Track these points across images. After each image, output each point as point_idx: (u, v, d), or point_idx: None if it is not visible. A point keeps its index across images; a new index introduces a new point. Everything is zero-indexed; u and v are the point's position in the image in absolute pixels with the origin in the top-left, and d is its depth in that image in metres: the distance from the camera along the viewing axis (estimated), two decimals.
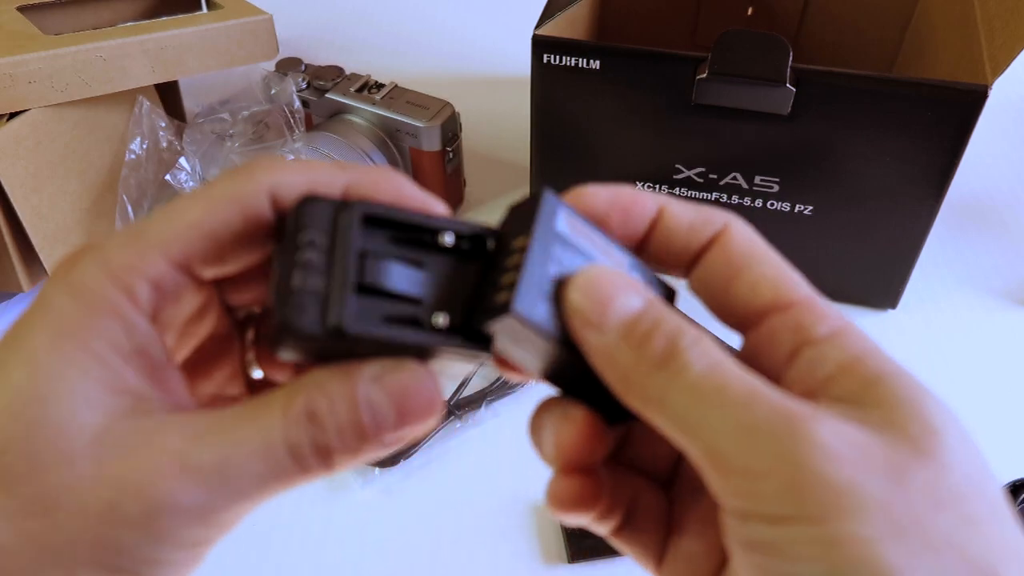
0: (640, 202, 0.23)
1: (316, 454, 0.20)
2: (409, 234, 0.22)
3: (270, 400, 0.20)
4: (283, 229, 0.21)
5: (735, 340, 0.23)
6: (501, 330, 0.21)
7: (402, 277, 0.21)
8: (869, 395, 0.19)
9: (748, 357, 0.22)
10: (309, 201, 0.21)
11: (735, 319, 0.23)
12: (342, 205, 0.21)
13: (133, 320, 0.20)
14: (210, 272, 0.22)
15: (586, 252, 0.22)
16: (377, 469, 0.50)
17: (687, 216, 0.23)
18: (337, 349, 0.21)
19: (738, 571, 0.19)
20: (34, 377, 0.19)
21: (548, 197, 0.22)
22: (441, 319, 0.21)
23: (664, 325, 0.20)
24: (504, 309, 0.20)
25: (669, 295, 0.24)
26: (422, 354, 0.22)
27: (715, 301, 0.23)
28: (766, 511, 0.18)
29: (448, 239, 0.22)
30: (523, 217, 0.22)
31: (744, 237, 0.23)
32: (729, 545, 0.20)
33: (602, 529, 0.24)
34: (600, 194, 0.23)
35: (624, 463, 0.25)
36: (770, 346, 0.21)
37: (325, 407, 0.20)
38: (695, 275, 0.23)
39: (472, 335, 0.21)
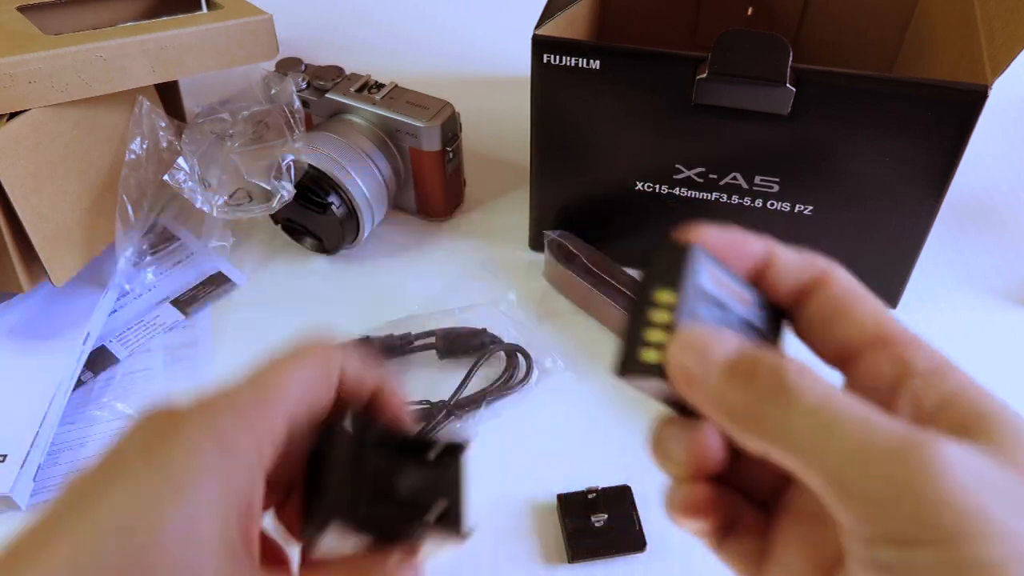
0: (749, 245, 0.25)
1: None
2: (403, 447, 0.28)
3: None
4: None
5: (836, 378, 0.24)
6: (642, 384, 0.24)
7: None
8: (979, 426, 0.20)
9: (851, 391, 0.22)
10: (335, 424, 0.27)
11: (838, 356, 0.24)
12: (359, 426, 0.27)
13: (256, 472, 0.24)
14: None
15: (725, 303, 0.24)
16: None
17: (794, 260, 0.25)
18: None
19: None
20: (192, 515, 0.22)
21: (695, 251, 0.24)
22: (432, 516, 0.27)
23: (766, 359, 0.22)
24: (657, 371, 0.23)
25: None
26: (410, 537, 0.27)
27: (819, 339, 0.24)
28: (893, 535, 0.19)
29: (432, 455, 0.29)
30: (668, 267, 0.24)
31: (848, 280, 0.25)
32: (852, 567, 0.20)
33: (707, 540, 0.26)
34: (714, 235, 0.25)
35: (728, 483, 0.27)
36: (874, 379, 0.23)
37: None
38: (802, 315, 0.25)
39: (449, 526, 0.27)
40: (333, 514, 0.25)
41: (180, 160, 0.58)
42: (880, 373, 0.23)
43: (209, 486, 0.22)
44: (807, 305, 0.25)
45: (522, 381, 0.55)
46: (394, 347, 0.55)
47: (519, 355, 0.56)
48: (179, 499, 0.22)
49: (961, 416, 0.21)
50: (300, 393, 0.25)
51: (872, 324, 0.23)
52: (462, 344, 0.56)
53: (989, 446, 0.20)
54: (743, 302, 0.25)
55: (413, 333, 0.56)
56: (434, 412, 0.52)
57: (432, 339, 0.56)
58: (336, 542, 0.26)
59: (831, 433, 0.20)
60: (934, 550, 0.18)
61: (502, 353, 0.56)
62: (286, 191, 0.58)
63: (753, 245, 0.25)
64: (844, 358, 0.24)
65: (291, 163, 0.58)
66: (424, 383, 0.52)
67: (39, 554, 0.21)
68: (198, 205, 0.58)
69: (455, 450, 0.29)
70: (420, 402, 0.52)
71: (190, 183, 0.58)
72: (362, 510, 0.26)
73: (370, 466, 0.26)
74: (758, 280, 0.25)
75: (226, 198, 0.59)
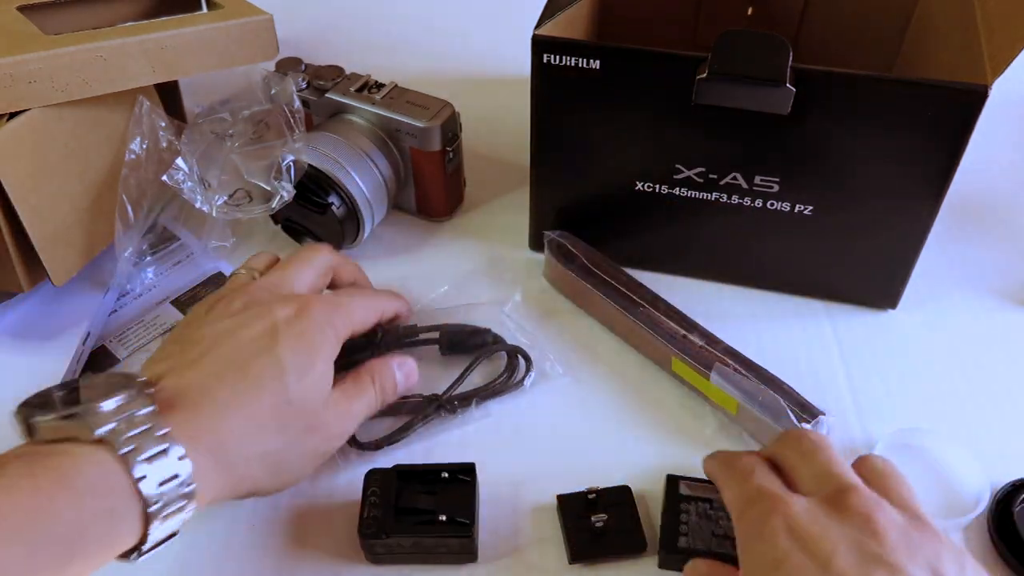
0: None
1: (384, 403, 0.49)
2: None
3: (353, 382, 0.47)
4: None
5: None
6: None
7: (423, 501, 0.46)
8: None
9: None
10: (372, 472, 0.48)
11: None
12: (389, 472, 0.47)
13: (335, 352, 0.46)
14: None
15: None
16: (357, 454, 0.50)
17: None
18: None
19: None
20: (325, 374, 0.44)
21: None
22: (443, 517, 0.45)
23: None
24: None
25: None
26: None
27: None
28: None
29: (444, 475, 0.47)
30: None
31: None
32: None
33: None
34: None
35: None
36: None
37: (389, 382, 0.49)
38: None
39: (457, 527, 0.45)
40: (371, 532, 0.45)
41: (179, 160, 0.58)
42: None
43: (329, 357, 0.45)
44: None
45: (519, 383, 0.55)
46: (399, 338, 0.55)
47: (520, 356, 0.56)
48: (317, 363, 0.44)
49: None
50: (361, 320, 0.50)
51: None
52: (464, 341, 0.56)
53: None
54: None
55: (419, 326, 0.56)
56: (425, 405, 0.52)
57: (436, 334, 0.56)
58: None
59: None
60: None
61: (504, 353, 0.56)
62: (286, 191, 0.58)
63: None
64: None
65: (291, 163, 0.58)
66: (424, 377, 0.52)
67: (249, 376, 0.41)
68: (198, 205, 0.58)
69: (466, 471, 0.47)
70: (413, 395, 0.52)
71: (189, 183, 0.58)
72: (393, 521, 0.45)
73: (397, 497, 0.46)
74: None
75: (226, 198, 0.59)
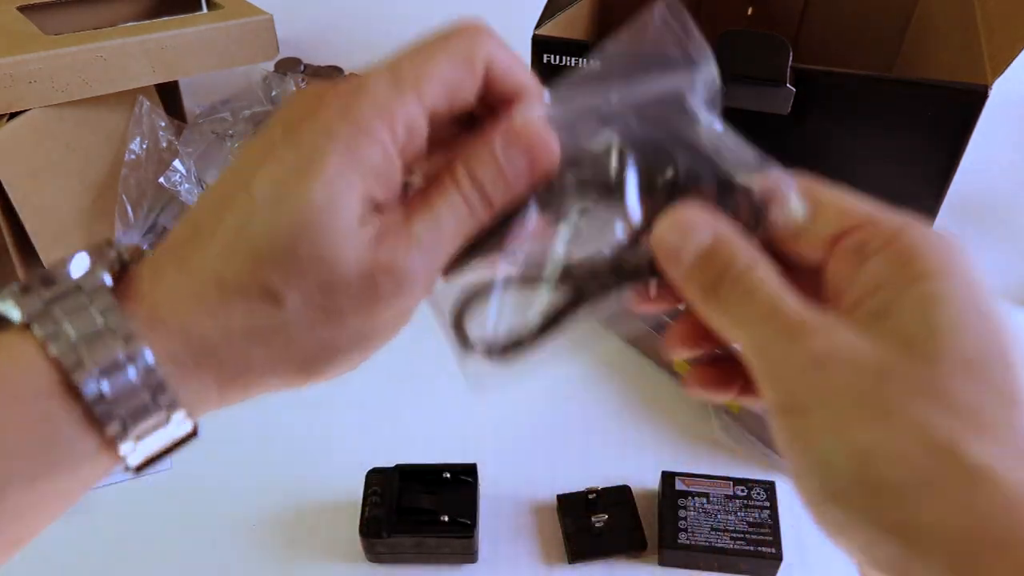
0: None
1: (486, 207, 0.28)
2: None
3: (434, 188, 0.28)
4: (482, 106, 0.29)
5: None
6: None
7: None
8: (891, 308, 0.24)
9: (826, 287, 0.26)
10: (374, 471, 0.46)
11: (817, 261, 0.27)
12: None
13: (390, 152, 0.26)
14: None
15: None
16: None
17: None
18: None
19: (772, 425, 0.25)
20: (327, 189, 0.25)
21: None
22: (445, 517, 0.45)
23: (734, 255, 0.26)
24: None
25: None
26: None
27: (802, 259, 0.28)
28: (781, 404, 0.24)
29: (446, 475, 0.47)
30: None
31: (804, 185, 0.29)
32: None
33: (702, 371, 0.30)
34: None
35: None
36: (836, 274, 0.26)
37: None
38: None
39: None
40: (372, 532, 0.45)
41: (176, 162, 0.58)
42: (842, 266, 0.26)
43: (342, 161, 0.25)
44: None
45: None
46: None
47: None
48: (319, 173, 0.25)
49: (880, 303, 0.24)
50: (440, 84, 0.27)
51: (830, 217, 0.28)
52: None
53: (889, 326, 0.23)
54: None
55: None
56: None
57: None
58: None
59: (748, 321, 0.25)
60: (798, 418, 0.23)
61: None
62: None
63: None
64: (823, 260, 0.27)
65: None
66: None
67: (215, 226, 0.26)
68: None
69: (467, 472, 0.46)
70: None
71: (187, 185, 0.58)
72: (395, 520, 0.45)
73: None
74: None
75: None
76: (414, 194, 0.28)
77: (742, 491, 0.46)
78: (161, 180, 0.58)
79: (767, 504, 0.46)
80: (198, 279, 0.26)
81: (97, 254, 0.27)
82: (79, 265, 0.26)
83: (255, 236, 0.26)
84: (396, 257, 0.26)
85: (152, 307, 0.26)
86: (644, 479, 0.49)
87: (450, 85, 0.27)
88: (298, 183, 0.25)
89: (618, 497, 0.48)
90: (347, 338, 0.27)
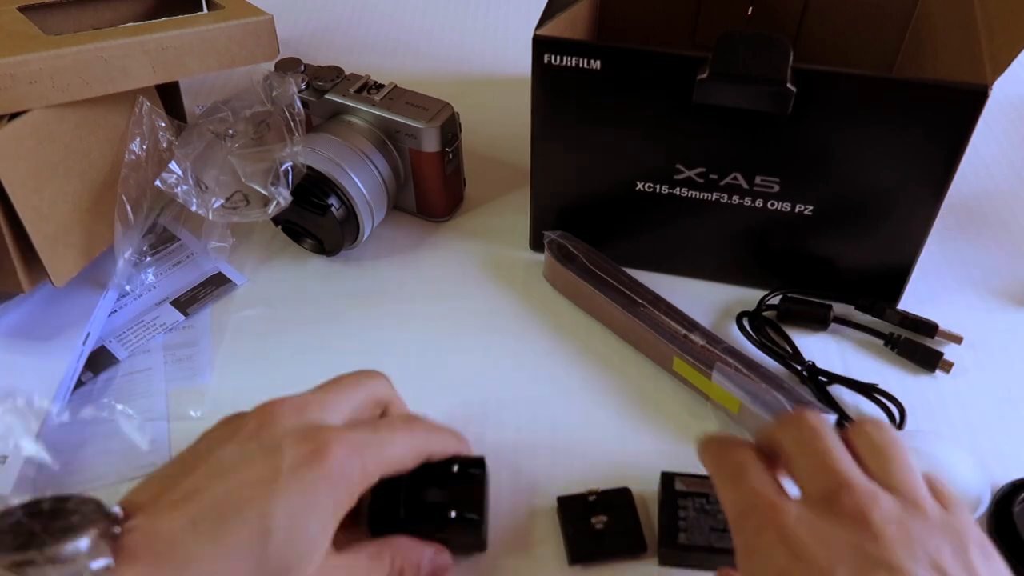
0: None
1: None
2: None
3: (368, 552, 0.41)
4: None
5: None
6: None
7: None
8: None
9: None
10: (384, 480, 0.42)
11: None
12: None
13: (348, 505, 0.38)
14: None
15: None
16: None
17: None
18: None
19: None
20: (319, 539, 0.37)
21: None
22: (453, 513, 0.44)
23: (736, 455, 0.39)
24: None
25: None
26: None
27: None
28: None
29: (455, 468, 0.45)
30: None
31: None
32: None
33: None
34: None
35: None
36: None
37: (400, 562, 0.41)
38: None
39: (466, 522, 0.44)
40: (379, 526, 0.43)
41: (172, 164, 0.58)
42: None
43: (330, 517, 0.38)
44: None
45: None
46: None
47: None
48: (310, 523, 0.37)
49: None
50: (399, 460, 0.42)
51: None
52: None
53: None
54: None
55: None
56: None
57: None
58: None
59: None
60: None
61: None
62: (283, 197, 0.57)
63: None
64: None
65: (289, 168, 0.58)
66: None
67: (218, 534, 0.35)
68: (194, 209, 0.58)
69: (475, 464, 0.45)
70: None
71: (184, 187, 0.58)
72: (401, 515, 0.43)
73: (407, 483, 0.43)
74: None
75: (223, 201, 0.59)
76: None
77: None
78: (157, 183, 0.58)
79: None
80: None
81: (102, 526, 0.34)
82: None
83: (266, 555, 0.36)
84: None
85: None
86: (644, 480, 0.49)
87: (399, 469, 0.43)
88: (304, 525, 0.37)
89: (618, 499, 0.48)
90: None
